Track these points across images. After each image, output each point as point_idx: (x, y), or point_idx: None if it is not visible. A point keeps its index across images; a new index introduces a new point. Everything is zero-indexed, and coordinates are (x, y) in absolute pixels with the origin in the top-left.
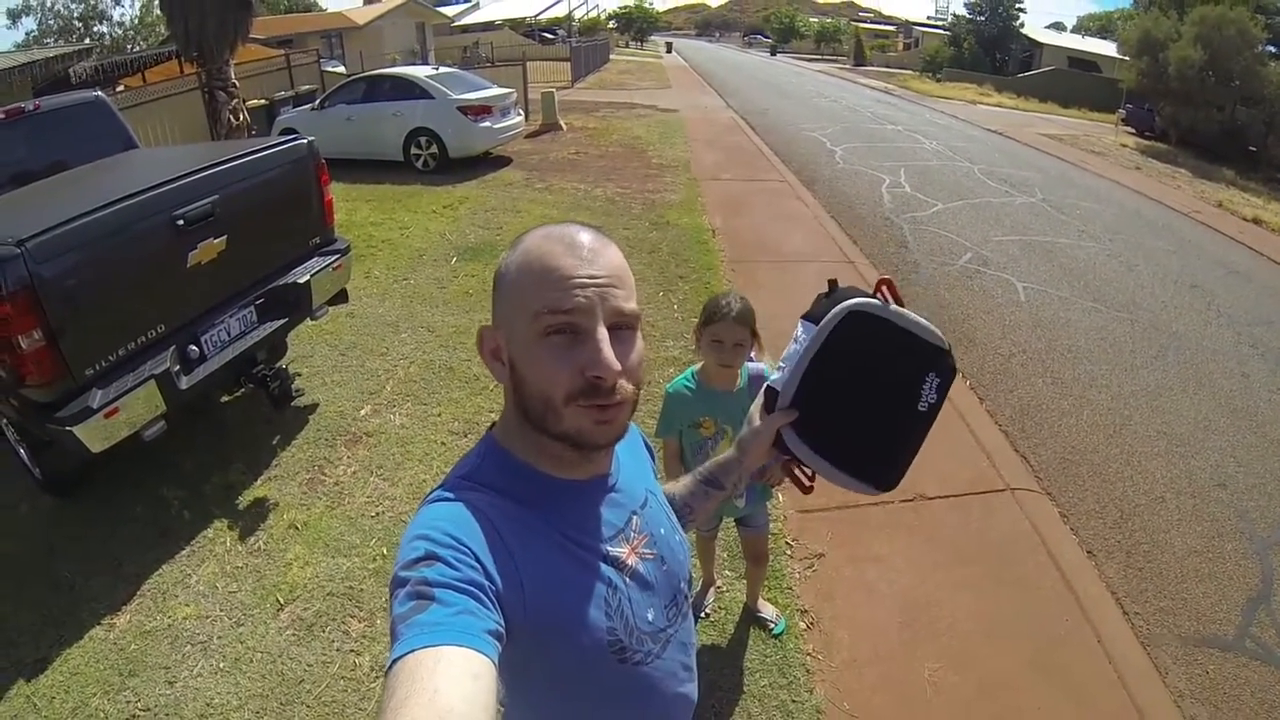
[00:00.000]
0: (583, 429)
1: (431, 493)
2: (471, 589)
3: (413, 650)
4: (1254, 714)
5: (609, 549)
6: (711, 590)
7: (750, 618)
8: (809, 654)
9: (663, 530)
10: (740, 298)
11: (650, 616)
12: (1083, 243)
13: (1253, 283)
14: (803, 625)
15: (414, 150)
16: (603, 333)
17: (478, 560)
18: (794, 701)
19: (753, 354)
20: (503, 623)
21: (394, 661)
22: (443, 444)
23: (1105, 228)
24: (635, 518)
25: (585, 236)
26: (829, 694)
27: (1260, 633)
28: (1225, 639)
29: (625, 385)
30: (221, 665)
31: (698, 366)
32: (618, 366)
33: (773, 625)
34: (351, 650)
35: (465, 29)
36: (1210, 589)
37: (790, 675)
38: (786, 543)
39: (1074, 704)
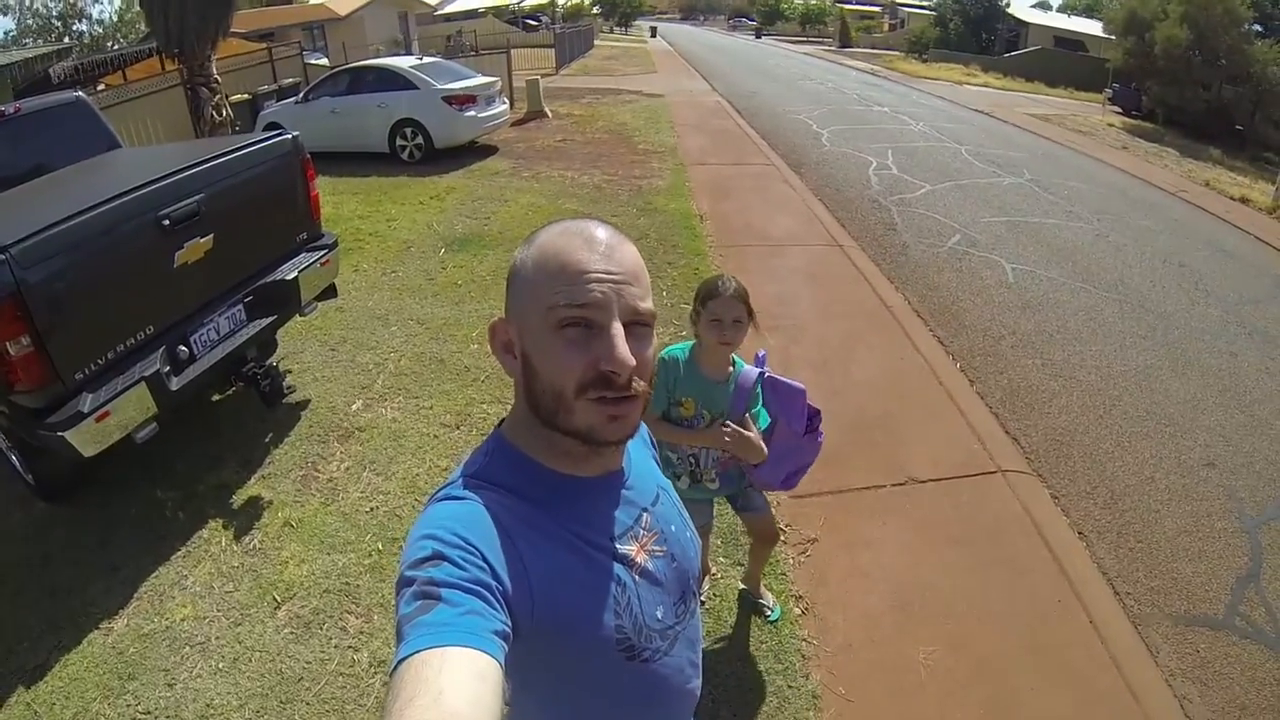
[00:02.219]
0: (594, 425)
1: (439, 491)
2: (478, 589)
3: (418, 651)
4: (1243, 692)
5: (618, 547)
6: (707, 578)
7: (746, 604)
8: (804, 639)
9: (673, 527)
10: (734, 279)
11: (659, 614)
12: (1070, 223)
13: (1240, 262)
14: (797, 611)
15: (399, 141)
16: (618, 328)
17: (485, 560)
18: (790, 687)
19: (762, 359)
20: (509, 623)
21: (399, 662)
22: (435, 437)
23: (1093, 208)
24: (646, 515)
25: (603, 233)
26: (824, 679)
27: (1249, 611)
28: (1215, 618)
29: (638, 382)
30: (220, 665)
31: (693, 343)
32: (632, 362)
33: (768, 611)
34: (350, 646)
35: (448, 17)
36: (1200, 568)
37: (786, 661)
38: (779, 529)
39: (1066, 684)
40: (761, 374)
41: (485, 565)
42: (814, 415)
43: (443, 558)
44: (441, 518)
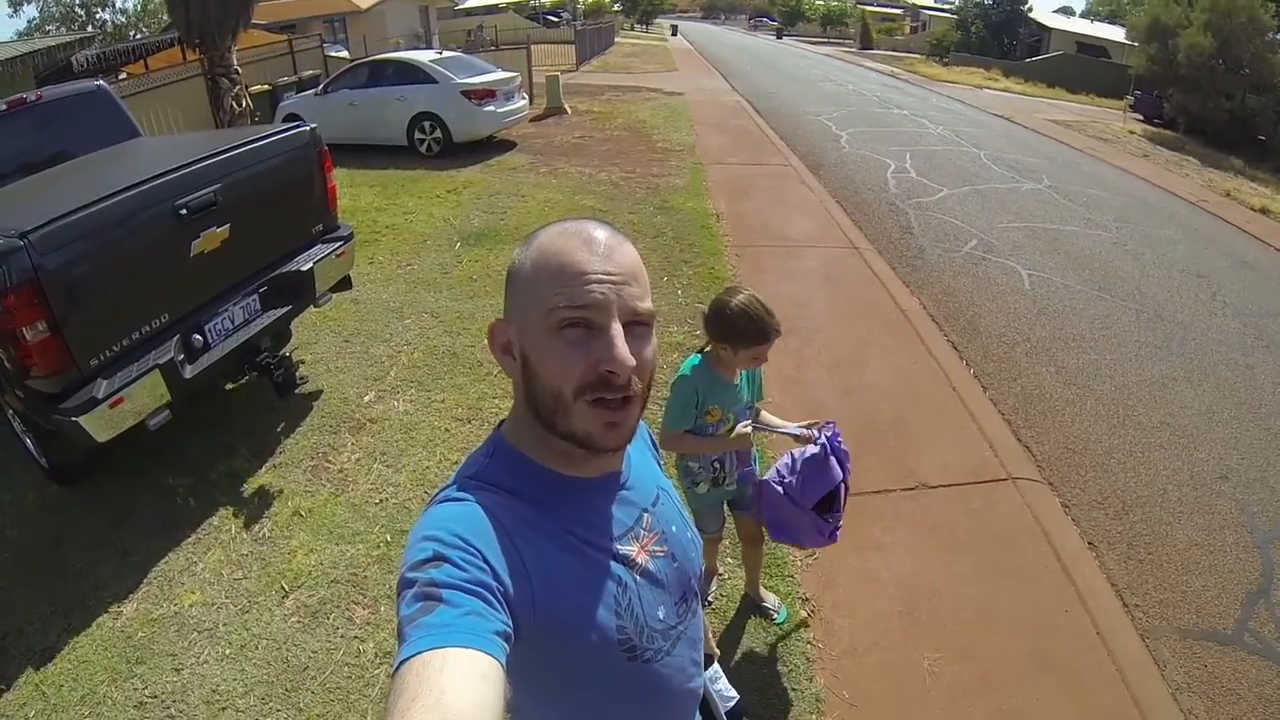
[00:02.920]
0: (591, 431)
1: (439, 492)
2: (479, 590)
3: (419, 652)
4: (1251, 709)
5: (619, 547)
6: (714, 579)
7: (751, 606)
8: (809, 642)
9: (674, 528)
10: (767, 309)
11: (661, 614)
12: (1089, 230)
13: (1259, 273)
14: (803, 613)
15: (418, 135)
16: (617, 328)
17: (485, 561)
18: (794, 689)
19: (836, 435)
20: (510, 624)
21: (401, 663)
22: (447, 430)
23: (1112, 215)
24: (646, 515)
25: (601, 233)
26: (829, 682)
27: (1259, 627)
28: (1224, 633)
29: (636, 383)
30: (227, 652)
31: (705, 352)
32: (632, 362)
33: (774, 614)
34: (356, 637)
35: (469, 12)
36: (1210, 582)
37: (790, 663)
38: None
39: (1072, 696)
40: (828, 443)
41: (486, 566)
42: (837, 509)
43: (443, 559)
44: (441, 519)
